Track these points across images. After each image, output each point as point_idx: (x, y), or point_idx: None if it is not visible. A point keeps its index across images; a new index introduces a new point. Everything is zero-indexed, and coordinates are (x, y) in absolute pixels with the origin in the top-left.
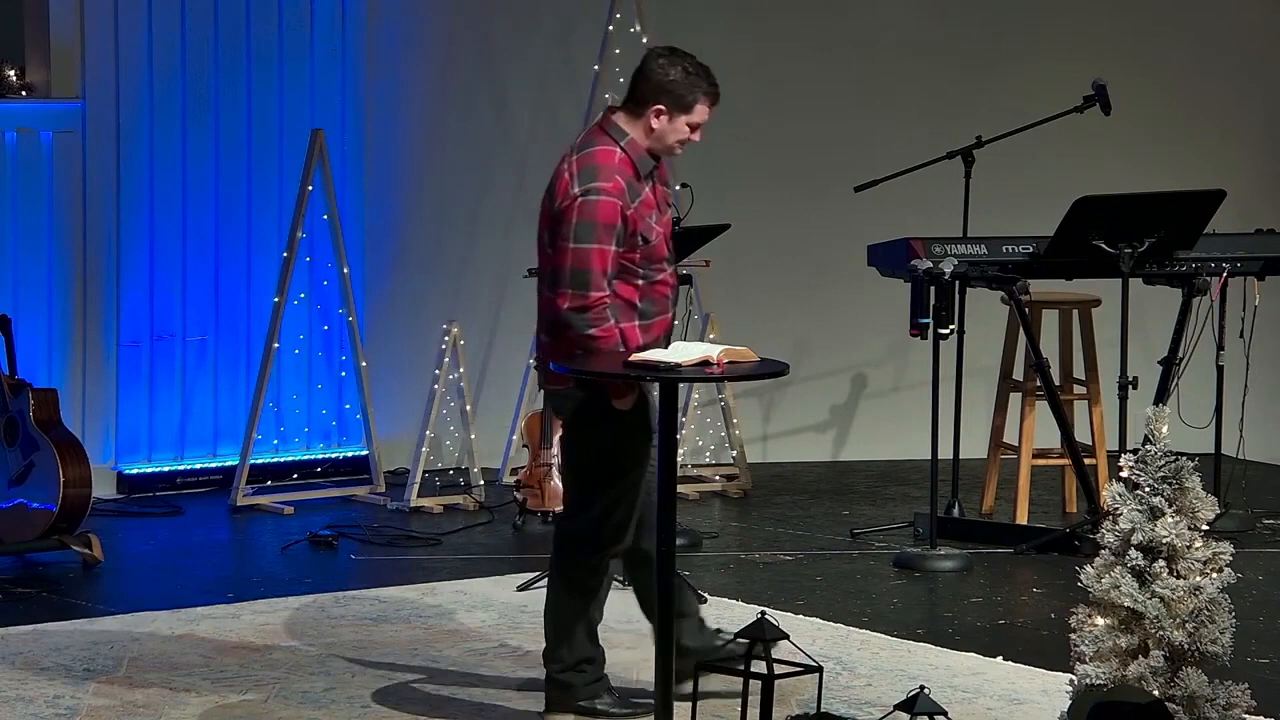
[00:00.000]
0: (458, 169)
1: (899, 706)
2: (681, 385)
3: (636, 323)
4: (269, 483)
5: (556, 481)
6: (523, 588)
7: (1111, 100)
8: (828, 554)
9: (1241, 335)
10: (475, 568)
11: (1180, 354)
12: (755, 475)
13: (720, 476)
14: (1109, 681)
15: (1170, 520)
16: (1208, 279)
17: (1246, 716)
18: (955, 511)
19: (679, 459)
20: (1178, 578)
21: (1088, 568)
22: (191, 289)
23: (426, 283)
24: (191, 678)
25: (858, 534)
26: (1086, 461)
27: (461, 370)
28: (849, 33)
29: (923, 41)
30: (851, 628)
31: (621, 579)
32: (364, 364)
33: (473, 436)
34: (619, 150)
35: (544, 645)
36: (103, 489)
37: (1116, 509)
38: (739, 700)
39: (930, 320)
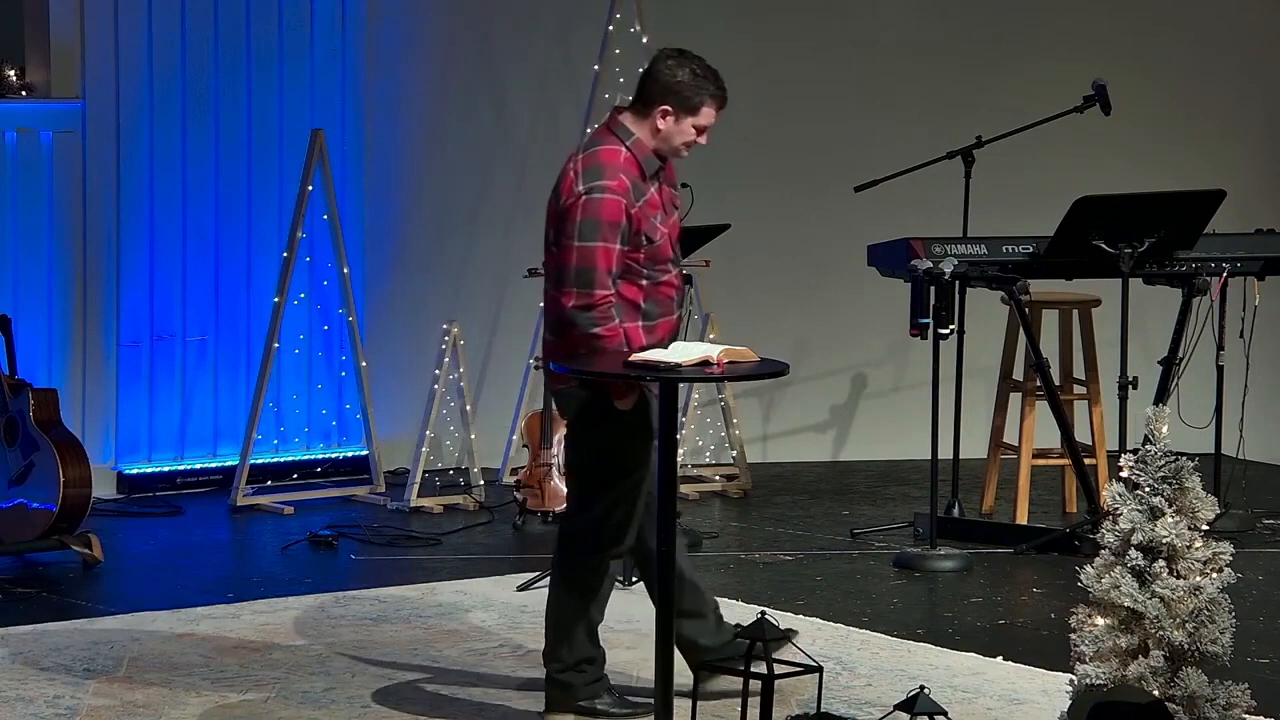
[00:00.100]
0: (458, 169)
1: (899, 706)
2: (681, 385)
3: (640, 323)
4: (269, 483)
5: (556, 481)
6: (523, 588)
7: (1111, 100)
8: (828, 554)
9: (1241, 335)
10: (475, 568)
11: (1180, 354)
12: (755, 475)
13: (720, 476)
14: (1109, 681)
15: (1170, 520)
16: (1208, 279)
17: (1246, 716)
18: (955, 511)
19: (679, 459)
20: (1178, 578)
21: (1088, 568)
22: (191, 289)
23: (426, 283)
24: (191, 678)
25: (858, 534)
26: (1086, 461)
27: (461, 370)
28: (849, 33)
29: (923, 41)
30: (851, 628)
31: (622, 579)
32: (364, 364)
33: (473, 436)
34: (624, 149)
35: (544, 645)
36: (103, 489)
37: (1116, 509)
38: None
39: (930, 320)
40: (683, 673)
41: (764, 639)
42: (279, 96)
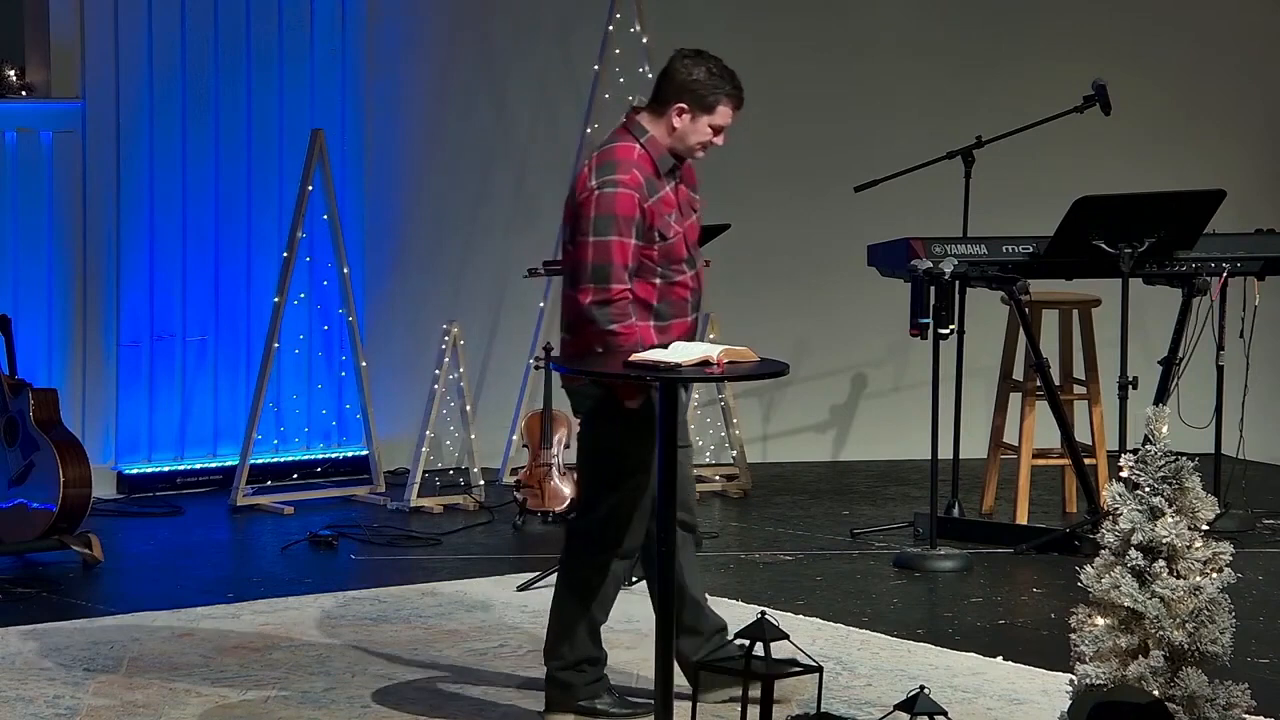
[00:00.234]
0: (458, 169)
1: (899, 706)
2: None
3: (652, 323)
4: (269, 483)
5: (556, 481)
6: (523, 588)
7: (1111, 100)
8: (828, 554)
9: (1241, 335)
10: (475, 568)
11: (1180, 354)
12: (755, 475)
13: (720, 476)
14: (1109, 681)
15: (1170, 520)
16: (1208, 279)
17: (1246, 716)
18: (955, 511)
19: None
20: (1178, 578)
21: (1088, 568)
22: (191, 289)
23: (426, 283)
24: (191, 678)
25: (858, 534)
26: (1086, 461)
27: (461, 370)
28: (849, 33)
29: (923, 41)
30: (851, 628)
31: (633, 579)
32: (364, 364)
33: (473, 436)
34: (638, 147)
35: (545, 641)
36: (103, 489)
37: (1116, 509)
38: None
39: (930, 320)
40: (681, 673)
41: (764, 639)
42: (279, 96)
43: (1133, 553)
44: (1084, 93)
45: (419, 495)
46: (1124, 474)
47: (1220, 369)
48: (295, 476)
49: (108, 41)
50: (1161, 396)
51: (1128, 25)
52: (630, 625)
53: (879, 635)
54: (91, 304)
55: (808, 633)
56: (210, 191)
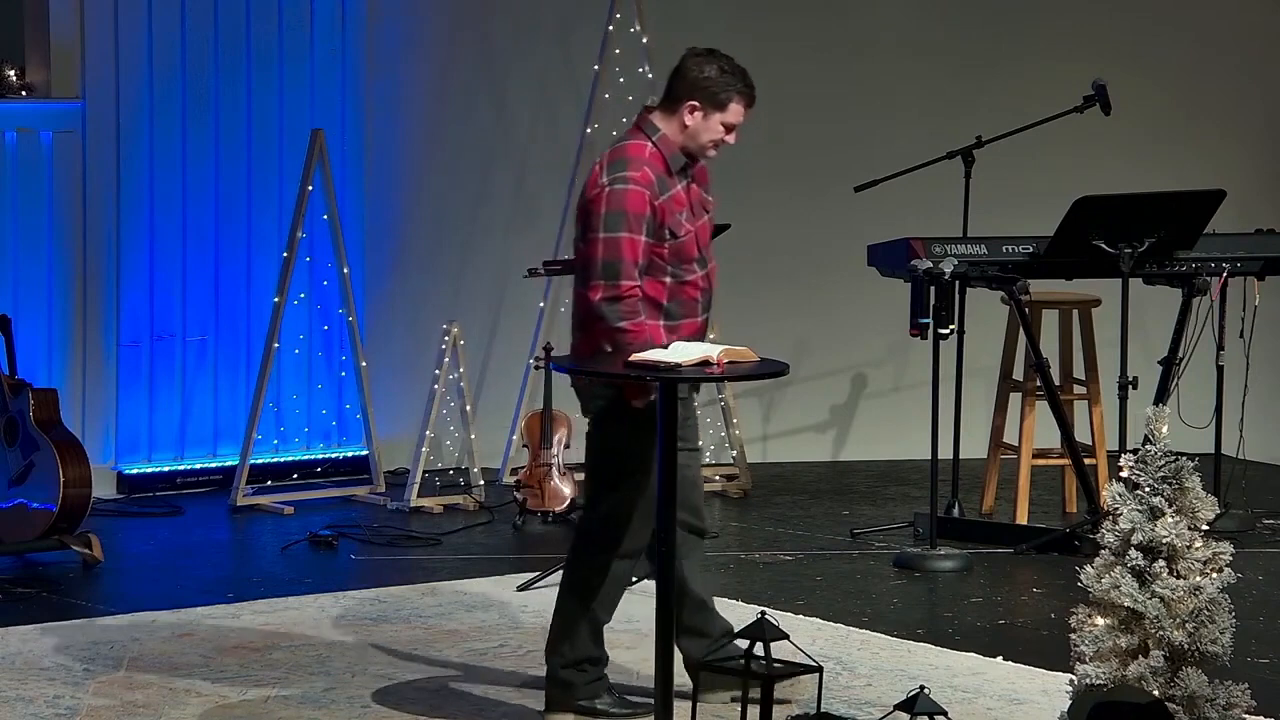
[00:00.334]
0: (458, 169)
1: (899, 706)
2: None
3: (661, 322)
4: (269, 483)
5: (556, 481)
6: (523, 588)
7: (1111, 100)
8: (828, 554)
9: (1241, 335)
10: (475, 568)
11: (1180, 354)
12: (755, 475)
13: (720, 476)
14: (1109, 681)
15: (1170, 520)
16: (1208, 279)
17: (1246, 716)
18: (955, 511)
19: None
20: (1178, 578)
21: (1088, 568)
22: (191, 289)
23: (426, 283)
24: (191, 678)
25: (858, 534)
26: (1086, 461)
27: (461, 370)
28: (849, 33)
29: (923, 41)
30: (851, 628)
31: (633, 579)
32: (364, 364)
33: (473, 436)
34: (650, 145)
35: (547, 638)
36: (103, 489)
37: (1116, 509)
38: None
39: (930, 320)
40: (683, 673)
41: (764, 639)
42: (279, 96)
43: (1133, 553)
44: (1084, 93)
45: (419, 495)
46: (1124, 474)
47: (1220, 369)
48: (295, 476)
49: (108, 41)
50: (1161, 396)
51: (1128, 25)
52: (630, 625)
53: (879, 635)
54: (91, 304)
55: (808, 633)
56: (210, 191)
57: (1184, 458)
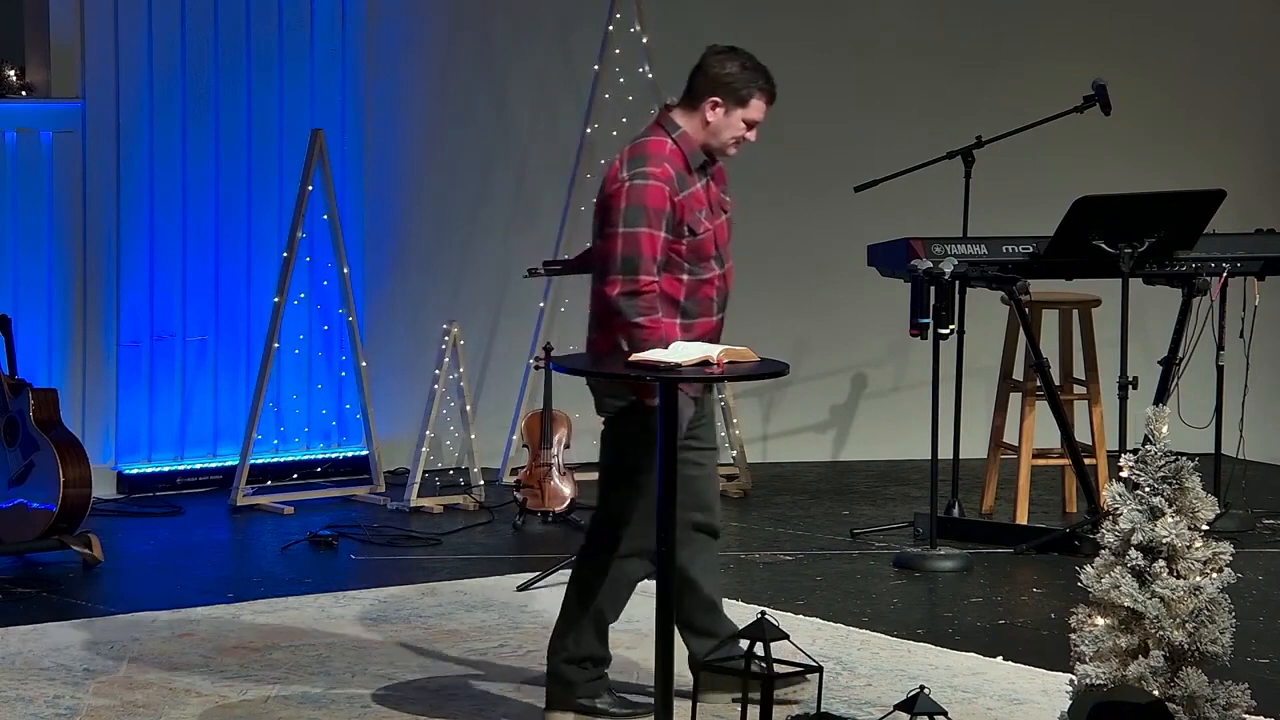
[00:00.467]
0: (458, 169)
1: (899, 706)
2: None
3: (678, 320)
4: (269, 483)
5: (556, 481)
6: (523, 588)
7: (1111, 100)
8: (828, 554)
9: (1241, 335)
10: (475, 568)
11: (1180, 354)
12: (755, 475)
13: (720, 476)
14: (1109, 681)
15: (1170, 520)
16: (1208, 279)
17: (1246, 716)
18: (955, 511)
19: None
20: (1178, 578)
21: (1088, 568)
22: (191, 289)
23: (426, 283)
24: (191, 678)
25: (858, 534)
26: (1086, 461)
27: (461, 370)
28: (849, 33)
29: (923, 41)
30: (851, 628)
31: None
32: (364, 364)
33: (473, 436)
34: (670, 141)
35: (551, 636)
36: (103, 489)
37: (1116, 509)
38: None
39: (930, 320)
40: (683, 673)
41: (764, 639)
42: (279, 96)
43: (1133, 553)
44: (1084, 93)
45: (419, 495)
46: (1124, 474)
47: (1220, 369)
48: (295, 476)
49: (108, 41)
50: (1161, 396)
51: (1128, 25)
52: (630, 625)
53: (879, 635)
54: (91, 304)
55: (808, 633)
56: (210, 191)
57: (1184, 458)
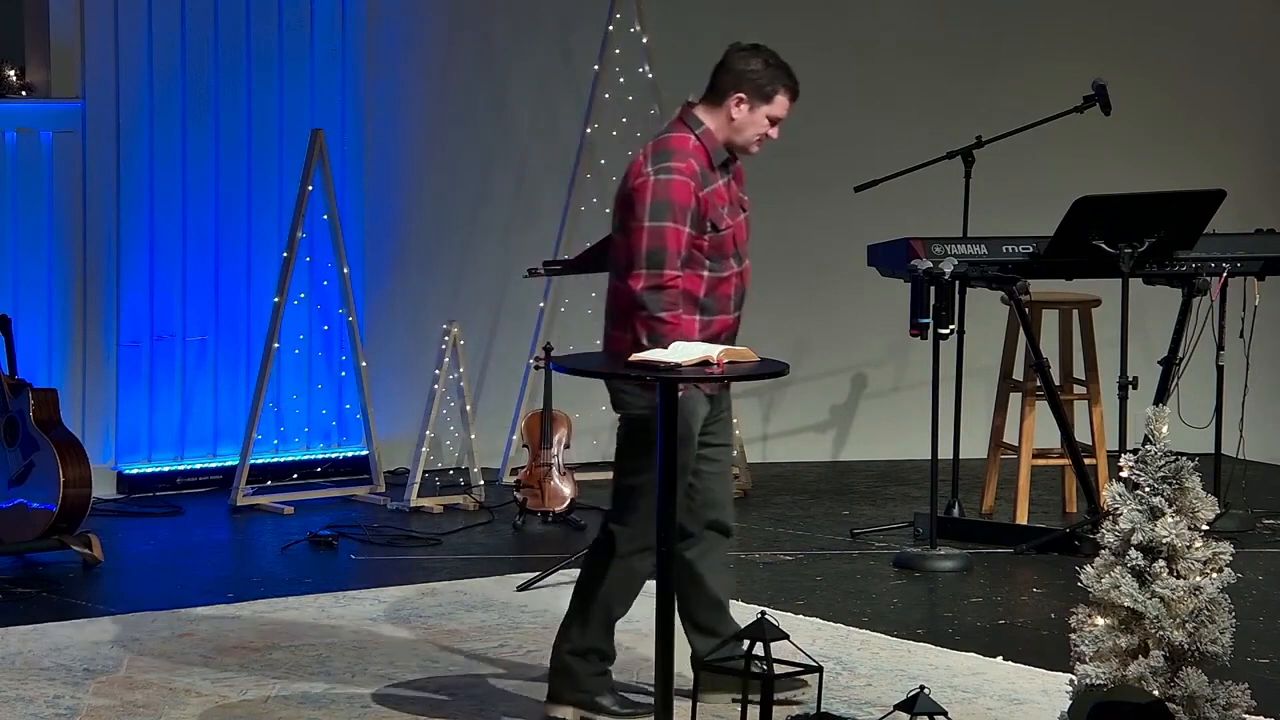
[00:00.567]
0: (458, 169)
1: (899, 706)
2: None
3: (697, 317)
4: (269, 483)
5: (556, 481)
6: (523, 588)
7: (1111, 100)
8: (828, 554)
9: (1241, 335)
10: (475, 568)
11: (1180, 354)
12: (755, 475)
13: None
14: (1109, 681)
15: (1170, 520)
16: (1208, 279)
17: (1246, 716)
18: (955, 511)
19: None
20: (1178, 578)
21: (1088, 568)
22: (191, 289)
23: (426, 283)
24: (191, 678)
25: (858, 534)
26: (1086, 461)
27: (461, 370)
28: (849, 33)
29: (923, 41)
30: (851, 628)
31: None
32: (364, 364)
33: (473, 436)
34: (693, 137)
35: (559, 628)
36: (103, 489)
37: (1116, 509)
38: (751, 700)
39: (930, 320)
40: (683, 673)
41: (764, 639)
42: (279, 96)
43: (1133, 553)
44: (1084, 93)
45: (419, 495)
46: (1124, 474)
47: (1220, 369)
48: (295, 476)
49: (108, 41)
50: (1161, 396)
51: (1128, 25)
52: (630, 625)
53: (879, 635)
54: (91, 304)
55: (808, 633)
56: (210, 191)
57: (1184, 458)
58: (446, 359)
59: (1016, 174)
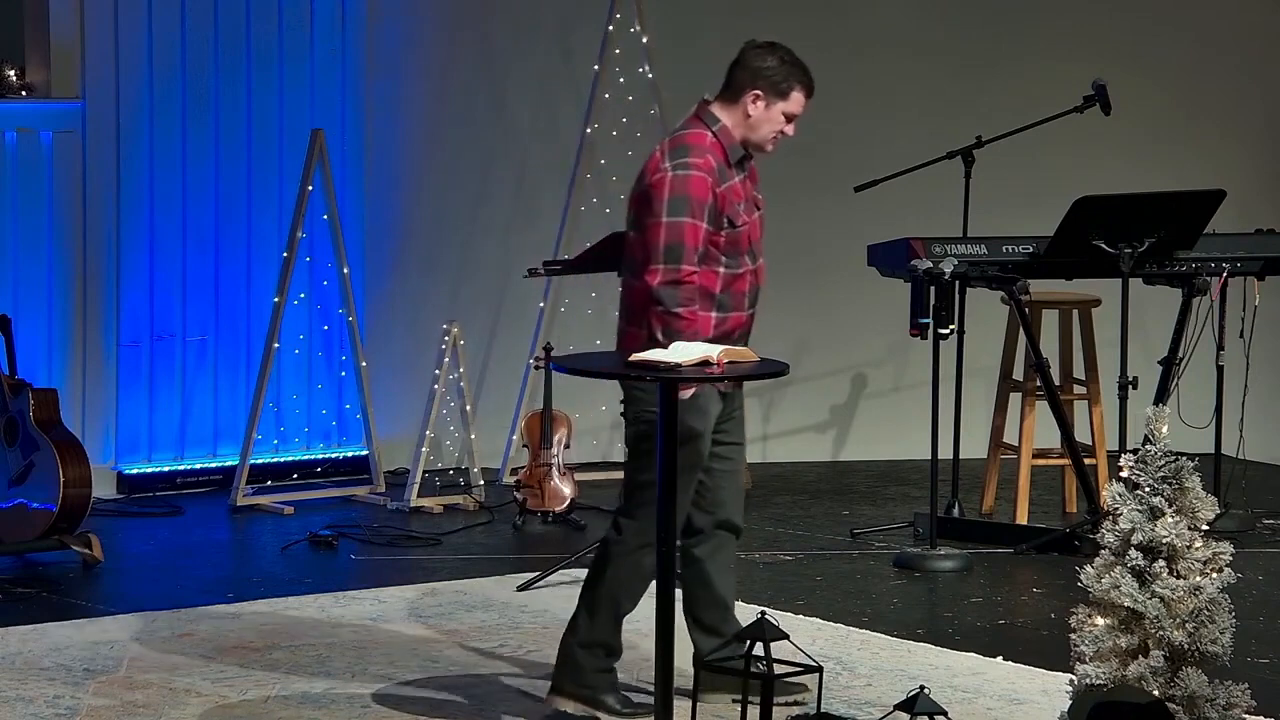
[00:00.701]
0: (458, 169)
1: (899, 706)
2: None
3: (713, 314)
4: (269, 483)
5: (556, 481)
6: (523, 588)
7: (1111, 100)
8: (828, 554)
9: (1241, 335)
10: (475, 568)
11: (1180, 354)
12: (755, 475)
13: None
14: (1109, 681)
15: (1170, 520)
16: (1208, 279)
17: (1246, 716)
18: (955, 511)
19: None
20: (1178, 578)
21: (1088, 568)
22: (191, 289)
23: (426, 283)
24: (191, 678)
25: (858, 534)
26: (1086, 461)
27: (461, 370)
28: (849, 33)
29: (923, 41)
30: (851, 628)
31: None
32: (364, 364)
33: (473, 436)
34: (710, 134)
35: (569, 623)
36: (103, 489)
37: (1116, 509)
38: (752, 700)
39: (930, 320)
40: (683, 673)
41: (764, 639)
42: (279, 96)
43: (1133, 553)
44: (1084, 93)
45: (419, 495)
46: (1124, 474)
47: (1220, 369)
48: (295, 476)
49: (108, 41)
50: (1161, 396)
51: (1128, 25)
52: (630, 625)
53: (879, 635)
54: (91, 304)
55: (808, 633)
56: (210, 191)
57: (1184, 458)
58: (446, 359)
59: (1016, 174)
